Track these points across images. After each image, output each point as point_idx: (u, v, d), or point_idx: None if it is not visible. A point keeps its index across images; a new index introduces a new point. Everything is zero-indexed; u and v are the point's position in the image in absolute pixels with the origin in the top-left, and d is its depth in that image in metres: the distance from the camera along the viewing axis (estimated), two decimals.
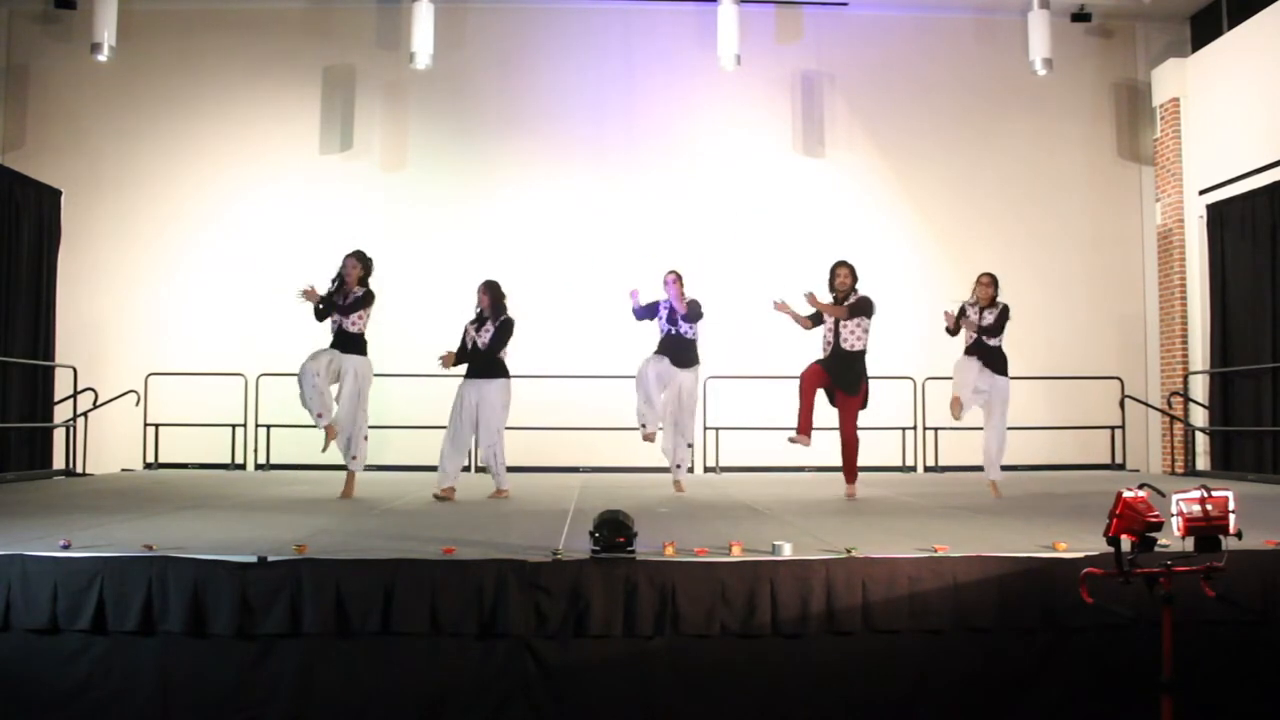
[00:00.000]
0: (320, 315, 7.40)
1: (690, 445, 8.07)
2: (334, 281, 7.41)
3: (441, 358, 7.46)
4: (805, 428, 7.45)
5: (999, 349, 7.67)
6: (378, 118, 11.81)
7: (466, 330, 7.59)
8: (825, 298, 7.54)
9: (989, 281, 7.73)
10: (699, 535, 4.91)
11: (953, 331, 7.79)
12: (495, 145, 11.75)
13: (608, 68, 11.86)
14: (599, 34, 11.90)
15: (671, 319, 7.80)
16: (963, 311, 7.72)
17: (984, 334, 7.61)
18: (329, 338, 7.45)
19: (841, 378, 7.43)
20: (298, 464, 10.66)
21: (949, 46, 11.95)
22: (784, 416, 11.01)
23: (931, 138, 11.86)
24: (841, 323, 7.41)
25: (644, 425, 7.74)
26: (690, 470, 8.72)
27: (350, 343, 7.29)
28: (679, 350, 7.75)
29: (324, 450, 7.51)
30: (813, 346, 7.84)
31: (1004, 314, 7.64)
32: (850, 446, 7.56)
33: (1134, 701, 4.04)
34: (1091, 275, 11.88)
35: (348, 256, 7.45)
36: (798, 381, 7.52)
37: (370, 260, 7.49)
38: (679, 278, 7.82)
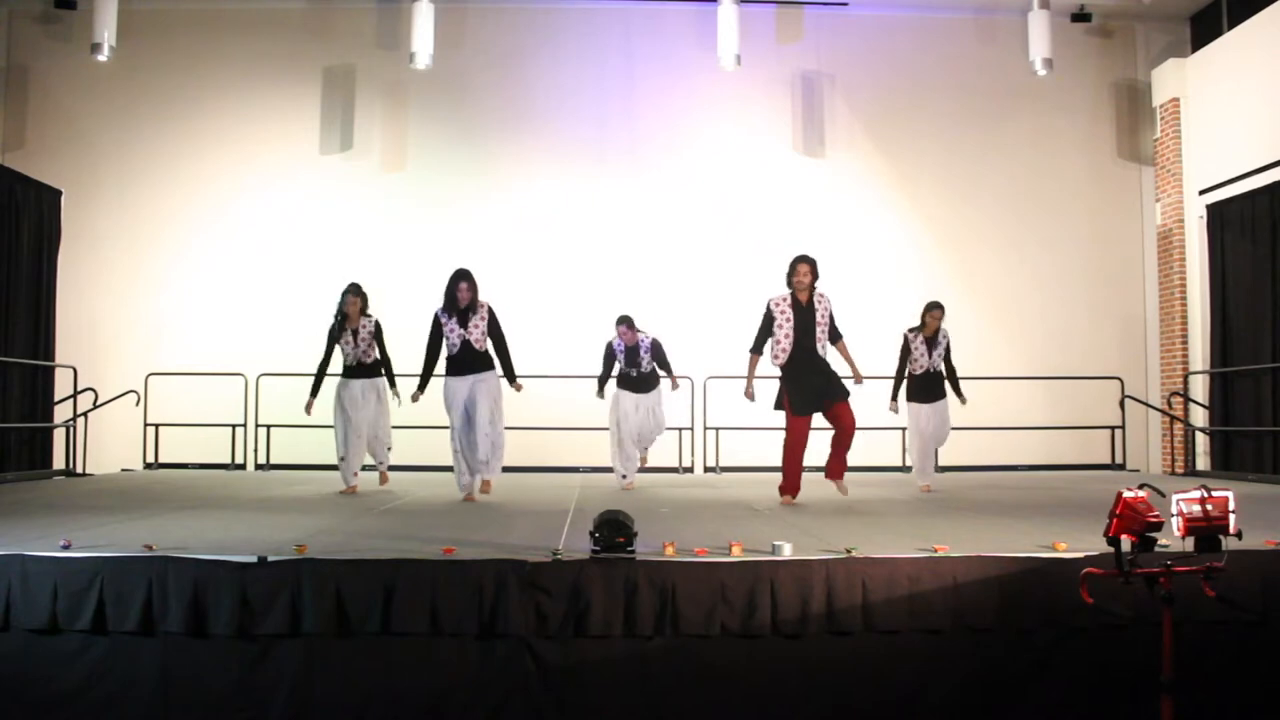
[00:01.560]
0: (330, 347, 7.76)
1: (647, 446, 8.70)
2: (336, 317, 7.69)
3: (414, 396, 7.11)
4: (797, 488, 6.98)
5: (940, 374, 8.15)
6: (378, 118, 11.81)
7: (441, 324, 7.05)
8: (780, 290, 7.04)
9: (940, 314, 8.07)
10: (699, 535, 4.91)
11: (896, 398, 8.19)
12: (495, 145, 11.76)
13: (608, 68, 11.86)
14: (599, 34, 11.90)
15: (631, 360, 8.33)
16: (906, 344, 8.07)
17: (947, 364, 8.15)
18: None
19: (828, 390, 6.83)
20: (298, 464, 10.68)
21: (949, 46, 11.95)
22: (784, 416, 10.99)
23: (932, 138, 11.87)
24: (819, 324, 6.85)
25: (623, 477, 8.46)
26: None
27: (371, 369, 7.75)
28: (639, 384, 8.41)
29: (341, 493, 7.75)
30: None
31: (948, 344, 8.18)
32: (850, 440, 6.94)
33: (1134, 701, 4.04)
34: (1091, 275, 11.88)
35: (347, 294, 7.65)
36: (786, 436, 6.95)
37: (363, 290, 7.76)
38: (630, 326, 8.29)
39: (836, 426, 6.90)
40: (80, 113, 11.64)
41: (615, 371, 8.47)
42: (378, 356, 7.75)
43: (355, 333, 7.65)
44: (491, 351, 7.11)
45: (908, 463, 11.02)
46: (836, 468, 7.02)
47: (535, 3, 11.87)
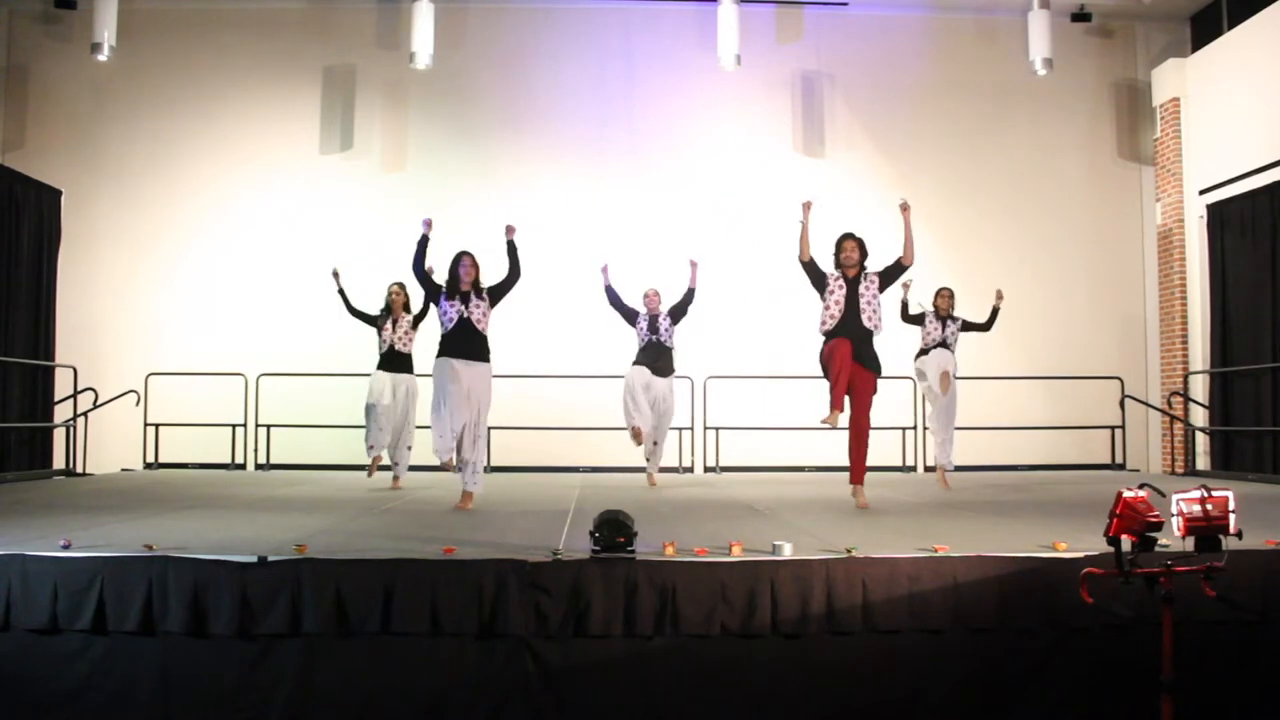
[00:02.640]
0: (361, 315, 8.32)
1: (656, 443, 8.74)
2: (381, 311, 8.25)
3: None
4: (841, 403, 6.56)
5: (951, 347, 8.52)
6: (378, 118, 11.82)
7: (442, 296, 6.64)
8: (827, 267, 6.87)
9: (950, 294, 8.58)
10: (699, 535, 4.91)
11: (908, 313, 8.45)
12: (495, 145, 11.76)
13: (608, 68, 11.86)
14: (599, 34, 11.90)
15: (653, 327, 8.44)
16: (922, 317, 8.52)
17: (974, 329, 8.62)
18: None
19: (863, 353, 6.61)
20: (298, 464, 10.68)
21: (949, 46, 11.95)
22: (784, 416, 11.02)
23: (931, 138, 11.87)
24: (861, 296, 6.65)
25: (631, 423, 8.35)
26: (661, 470, 9.21)
27: (405, 361, 8.19)
28: (659, 357, 8.43)
29: (369, 476, 8.37)
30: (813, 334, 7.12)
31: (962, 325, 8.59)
32: (864, 437, 6.69)
33: (1134, 701, 4.04)
34: (1091, 275, 11.89)
35: (392, 286, 8.28)
36: (824, 357, 6.66)
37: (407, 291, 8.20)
38: (658, 294, 8.62)
39: (854, 405, 6.63)
40: (80, 113, 11.64)
41: (638, 342, 8.54)
42: (410, 353, 8.17)
43: (396, 321, 8.10)
44: (487, 332, 6.58)
45: (908, 462, 11.06)
46: (856, 469, 6.74)
47: (535, 3, 11.87)
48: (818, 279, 6.79)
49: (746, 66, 10.98)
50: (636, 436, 8.32)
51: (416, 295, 8.02)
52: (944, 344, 8.42)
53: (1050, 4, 10.97)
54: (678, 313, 8.54)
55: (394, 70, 11.64)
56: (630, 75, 11.87)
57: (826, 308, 6.74)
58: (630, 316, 8.58)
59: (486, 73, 11.85)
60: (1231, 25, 10.88)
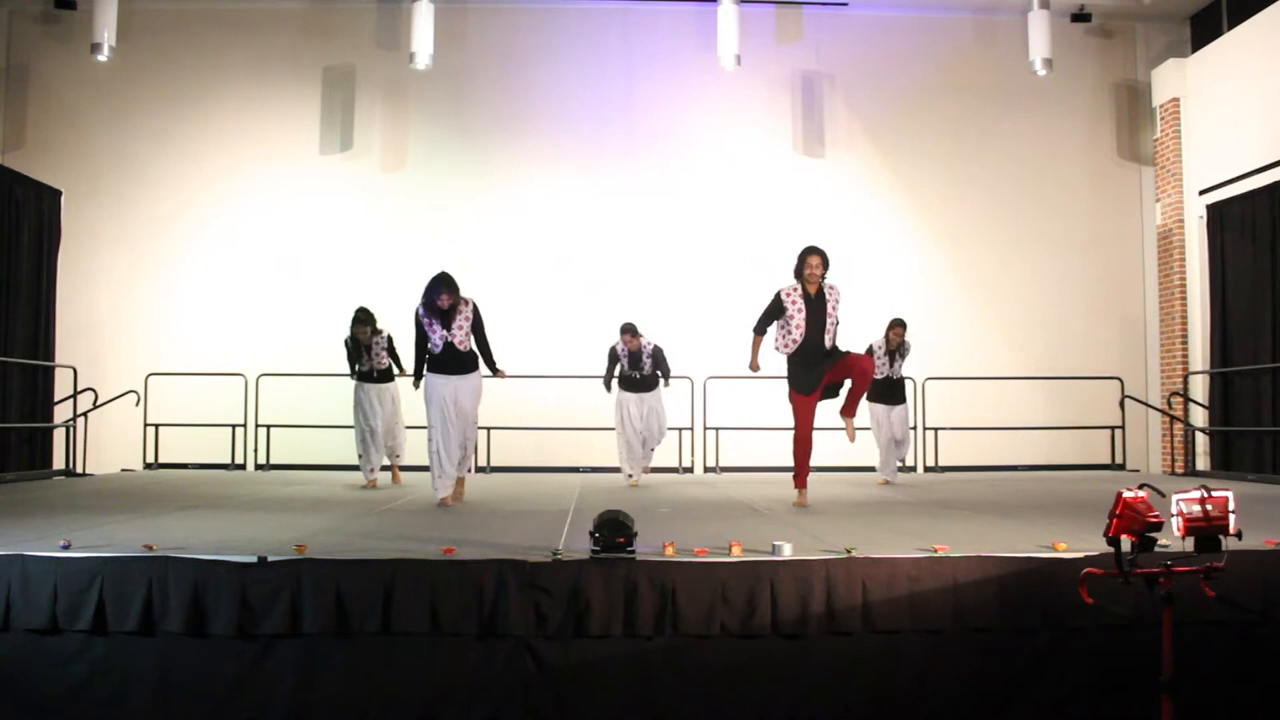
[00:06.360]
0: (360, 375, 8.55)
1: (652, 449, 9.11)
2: (347, 342, 8.49)
3: (414, 385, 7.02)
4: (805, 481, 6.80)
5: (901, 380, 8.88)
6: (378, 118, 11.82)
7: (424, 323, 6.79)
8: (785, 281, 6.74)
9: (902, 330, 8.71)
10: (699, 535, 4.91)
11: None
12: (495, 145, 11.77)
13: (608, 68, 11.86)
14: (599, 34, 11.91)
15: (633, 364, 8.78)
16: (870, 351, 8.56)
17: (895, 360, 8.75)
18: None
19: (831, 361, 6.63)
20: (298, 464, 10.68)
21: (949, 46, 11.96)
22: (784, 416, 11.04)
23: (931, 138, 11.87)
24: (828, 318, 6.60)
25: (629, 475, 8.91)
26: (651, 468, 9.57)
27: (383, 375, 8.54)
28: (640, 385, 8.86)
29: (364, 488, 8.37)
30: None
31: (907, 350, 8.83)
32: (866, 382, 6.78)
33: (1134, 701, 4.03)
34: (1091, 275, 11.89)
35: (354, 325, 8.36)
36: (795, 427, 6.75)
37: (372, 315, 8.36)
38: (633, 334, 8.69)
39: (852, 372, 6.65)
40: (80, 113, 11.64)
41: (618, 372, 8.85)
42: (390, 365, 8.55)
43: (369, 348, 8.40)
44: (474, 348, 6.82)
45: (908, 463, 11.05)
46: (849, 405, 6.86)
47: (535, 3, 11.87)
48: (772, 313, 6.71)
49: (746, 67, 10.99)
50: (633, 485, 8.66)
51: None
52: (890, 381, 8.70)
53: (1050, 4, 10.98)
54: (660, 363, 8.82)
55: (394, 70, 11.64)
56: (630, 75, 11.88)
57: (788, 332, 6.62)
58: (614, 361, 8.83)
59: (486, 73, 11.85)
60: (1231, 25, 10.88)
